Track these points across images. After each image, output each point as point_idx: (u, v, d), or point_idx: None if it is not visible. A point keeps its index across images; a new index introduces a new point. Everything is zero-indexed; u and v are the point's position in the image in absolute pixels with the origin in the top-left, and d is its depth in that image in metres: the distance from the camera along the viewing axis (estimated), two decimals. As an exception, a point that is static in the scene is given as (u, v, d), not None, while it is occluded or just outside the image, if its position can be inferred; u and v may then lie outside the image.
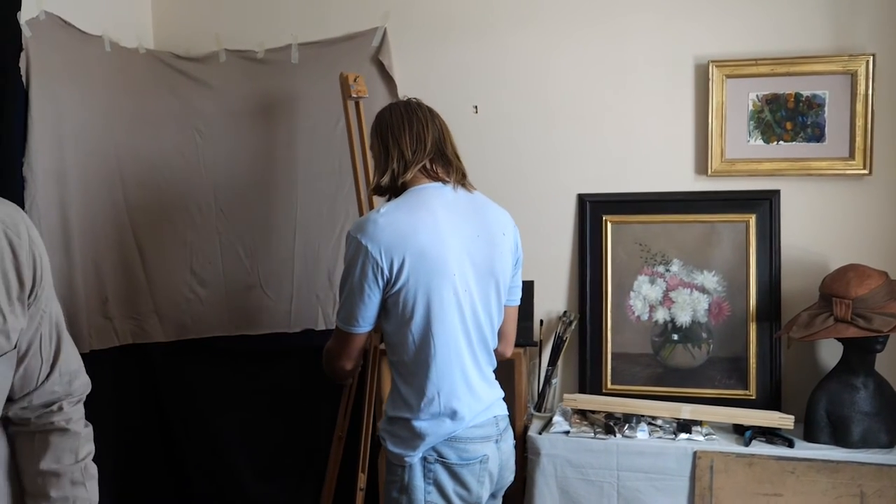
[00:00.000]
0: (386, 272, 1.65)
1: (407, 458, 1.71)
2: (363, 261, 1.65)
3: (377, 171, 1.80)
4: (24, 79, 2.16)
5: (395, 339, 1.73)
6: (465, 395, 1.73)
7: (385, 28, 2.55)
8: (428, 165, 1.76)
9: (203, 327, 2.66)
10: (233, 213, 2.65)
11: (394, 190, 1.78)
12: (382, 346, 2.18)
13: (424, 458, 1.71)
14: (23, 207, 2.14)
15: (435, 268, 1.67)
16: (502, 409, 1.83)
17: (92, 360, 2.35)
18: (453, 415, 1.70)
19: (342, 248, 2.55)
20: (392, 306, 1.69)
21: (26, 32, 2.16)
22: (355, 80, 2.33)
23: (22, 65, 2.16)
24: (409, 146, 1.76)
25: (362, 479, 2.34)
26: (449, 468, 1.71)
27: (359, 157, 2.34)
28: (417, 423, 1.69)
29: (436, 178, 1.77)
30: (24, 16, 2.17)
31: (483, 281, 1.76)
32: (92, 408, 2.45)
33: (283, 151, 2.61)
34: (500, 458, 1.79)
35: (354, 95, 2.32)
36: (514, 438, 1.89)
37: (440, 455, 1.71)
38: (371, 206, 2.33)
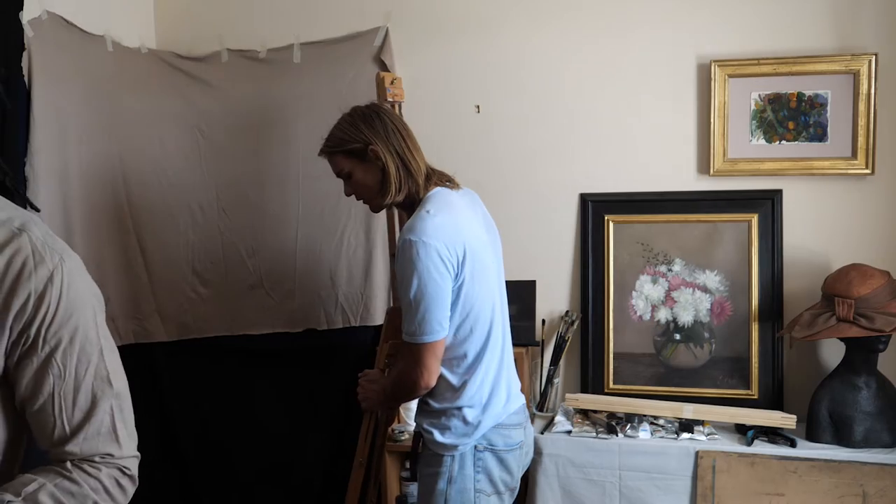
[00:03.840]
0: (454, 266, 1.68)
1: (460, 447, 1.75)
2: (435, 261, 1.65)
3: (386, 186, 1.78)
4: (26, 79, 2.16)
5: (449, 333, 1.74)
6: (505, 381, 1.83)
7: (387, 28, 2.54)
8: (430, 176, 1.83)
9: (205, 327, 2.66)
10: (235, 212, 2.65)
11: (404, 205, 1.83)
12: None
13: (475, 447, 1.76)
14: (25, 207, 2.14)
15: (480, 261, 1.74)
16: (523, 397, 1.93)
17: (94, 360, 2.37)
18: (499, 402, 1.78)
19: (344, 247, 2.56)
20: (452, 302, 1.71)
21: (28, 32, 2.16)
22: (392, 83, 2.24)
23: (24, 65, 2.15)
24: (421, 160, 1.82)
25: (373, 493, 2.33)
26: (496, 454, 1.78)
27: None
28: (469, 412, 1.75)
29: (439, 184, 1.82)
30: (27, 16, 2.16)
31: (500, 272, 1.90)
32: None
33: (285, 151, 2.61)
34: (526, 442, 1.89)
35: (390, 99, 2.23)
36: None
37: (490, 442, 1.77)
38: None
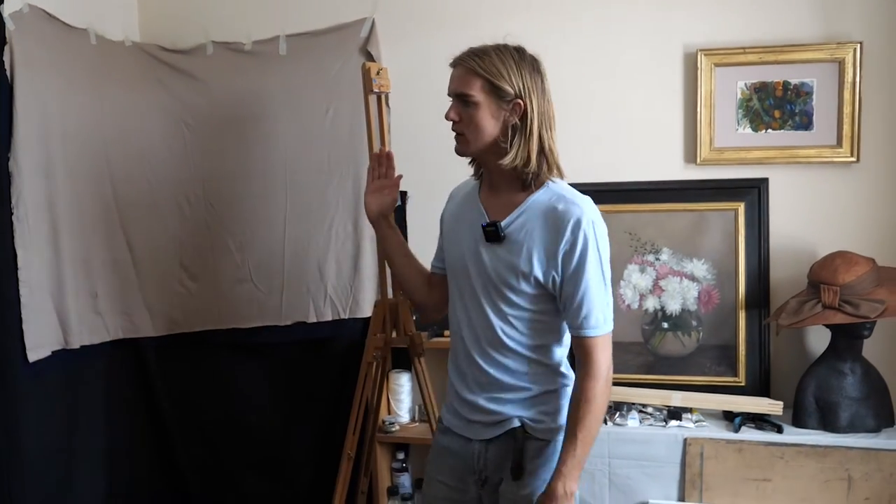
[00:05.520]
0: None
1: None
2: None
3: (515, 145, 1.57)
4: (8, 73, 2.14)
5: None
6: None
7: (373, 19, 2.53)
8: None
9: (194, 321, 2.65)
10: (222, 206, 2.63)
11: (506, 173, 1.60)
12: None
13: None
14: (9, 203, 2.14)
15: None
16: None
17: (83, 355, 2.37)
18: None
19: (333, 239, 2.55)
20: None
21: (10, 26, 2.14)
22: (378, 73, 2.19)
23: (6, 58, 2.13)
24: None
25: (364, 483, 2.35)
26: None
27: None
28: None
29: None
30: (8, 9, 2.14)
31: None
32: (84, 401, 2.47)
33: (272, 144, 2.60)
34: None
35: (377, 90, 2.18)
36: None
37: None
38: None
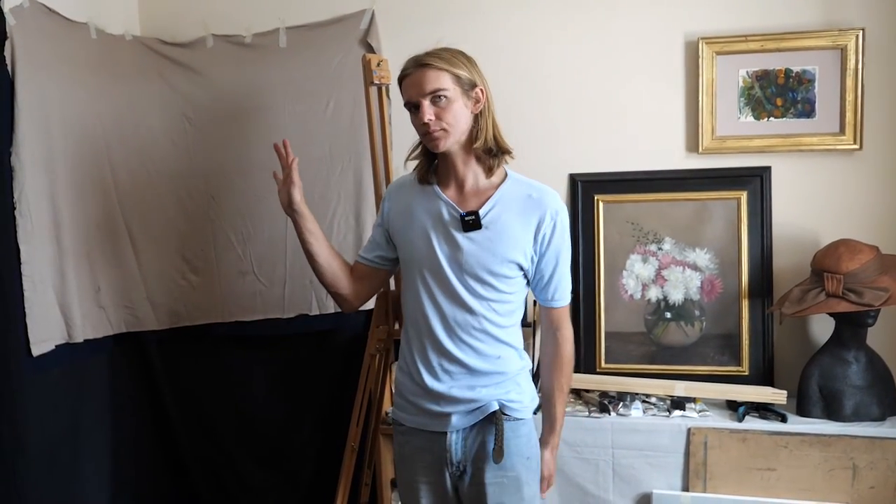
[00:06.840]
0: None
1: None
2: None
3: (480, 131, 1.72)
4: (9, 68, 2.14)
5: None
6: None
7: (373, 10, 2.53)
8: None
9: (196, 314, 2.66)
10: (223, 199, 2.64)
11: (481, 157, 1.74)
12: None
13: None
14: (11, 197, 2.14)
15: None
16: None
17: (86, 349, 2.38)
18: None
19: (335, 231, 2.56)
20: None
21: (10, 21, 2.14)
22: (378, 65, 2.20)
23: (7, 53, 2.13)
24: None
25: (368, 475, 2.35)
26: None
27: (378, 147, 2.25)
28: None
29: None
30: (8, 4, 2.14)
31: None
32: (88, 395, 2.47)
33: (273, 136, 2.56)
34: None
35: (377, 81, 2.19)
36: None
37: None
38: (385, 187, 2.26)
